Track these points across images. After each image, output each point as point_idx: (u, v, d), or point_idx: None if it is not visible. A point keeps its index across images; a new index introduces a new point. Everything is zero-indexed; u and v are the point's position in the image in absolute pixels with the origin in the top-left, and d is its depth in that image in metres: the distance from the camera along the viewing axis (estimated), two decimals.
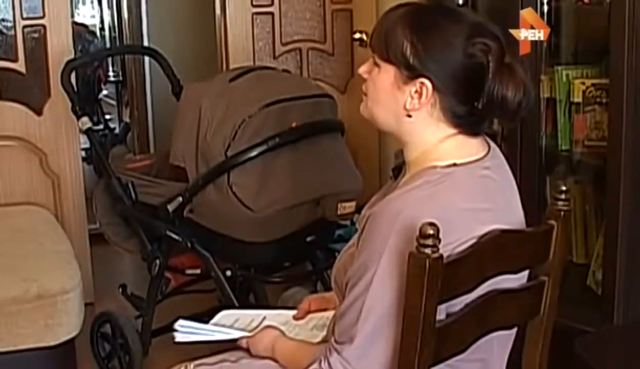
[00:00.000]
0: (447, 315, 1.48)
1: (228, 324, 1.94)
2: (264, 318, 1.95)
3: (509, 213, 1.60)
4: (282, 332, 1.80)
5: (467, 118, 1.56)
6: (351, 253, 1.62)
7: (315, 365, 1.56)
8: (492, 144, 1.65)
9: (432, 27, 1.54)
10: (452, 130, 1.58)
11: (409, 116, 1.57)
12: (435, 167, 1.54)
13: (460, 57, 1.52)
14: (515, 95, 1.52)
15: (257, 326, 1.90)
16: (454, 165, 1.54)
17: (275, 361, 1.74)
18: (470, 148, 1.59)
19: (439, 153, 1.57)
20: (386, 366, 1.50)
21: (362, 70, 1.64)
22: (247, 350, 1.80)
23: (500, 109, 1.53)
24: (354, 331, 1.50)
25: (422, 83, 1.54)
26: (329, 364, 1.53)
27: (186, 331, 1.85)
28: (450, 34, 1.53)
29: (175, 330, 1.85)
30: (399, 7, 1.60)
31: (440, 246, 1.36)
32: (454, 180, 1.53)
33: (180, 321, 1.86)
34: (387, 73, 1.57)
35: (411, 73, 1.54)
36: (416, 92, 1.55)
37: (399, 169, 1.71)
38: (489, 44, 1.52)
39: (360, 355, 1.51)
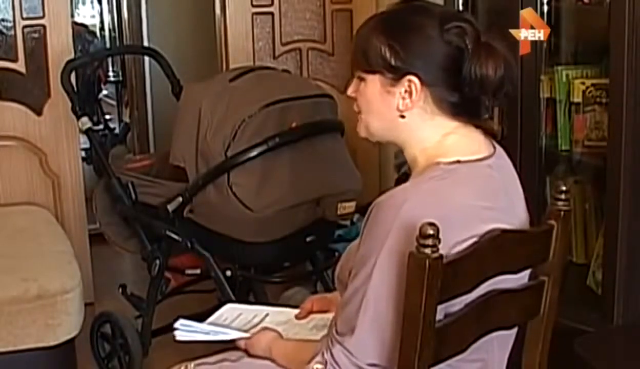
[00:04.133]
0: (446, 315, 1.48)
1: (231, 318, 1.94)
2: (267, 314, 1.96)
3: (512, 214, 1.60)
4: (279, 333, 1.81)
5: (463, 105, 1.58)
6: (355, 247, 1.62)
7: (318, 357, 1.56)
8: (499, 147, 1.65)
9: (404, 26, 1.57)
10: (452, 123, 1.59)
11: (402, 117, 1.59)
12: (439, 164, 1.55)
13: (439, 46, 1.54)
14: (495, 72, 1.54)
15: (258, 323, 1.91)
16: (458, 162, 1.55)
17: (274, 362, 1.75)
18: (474, 146, 1.60)
19: (443, 150, 1.58)
20: (387, 356, 1.50)
21: (350, 91, 1.66)
22: (246, 351, 1.81)
23: (481, 87, 1.55)
24: (355, 322, 1.51)
25: (410, 80, 1.56)
26: (332, 355, 1.54)
27: (186, 330, 1.86)
28: (424, 27, 1.55)
29: (176, 329, 1.86)
30: (368, 21, 1.64)
31: (440, 243, 1.37)
32: (456, 177, 1.53)
33: (181, 320, 1.87)
34: (373, 82, 1.59)
35: (395, 74, 1.56)
36: (406, 91, 1.57)
37: (401, 167, 1.72)
38: (462, 26, 1.55)
39: (361, 345, 1.51)
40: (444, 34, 1.54)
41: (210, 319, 1.95)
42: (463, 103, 1.57)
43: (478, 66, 1.53)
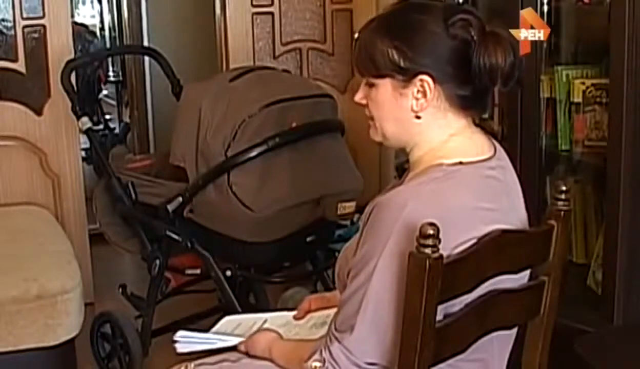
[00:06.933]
0: (446, 315, 1.48)
1: (230, 329, 1.94)
2: (266, 321, 1.96)
3: (513, 215, 1.60)
4: (279, 334, 1.81)
5: (473, 98, 1.57)
6: (354, 245, 1.62)
7: (317, 355, 1.56)
8: (498, 146, 1.65)
9: (408, 25, 1.56)
10: (460, 121, 1.59)
11: (418, 117, 1.57)
12: (441, 165, 1.55)
13: (446, 41, 1.54)
14: (505, 59, 1.53)
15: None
16: (460, 163, 1.55)
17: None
18: (476, 147, 1.60)
19: (446, 152, 1.57)
20: (386, 355, 1.50)
21: (358, 97, 1.64)
22: (246, 353, 1.81)
23: (492, 76, 1.54)
24: (354, 321, 1.51)
25: (422, 80, 1.54)
26: (330, 352, 1.54)
27: (186, 341, 1.85)
28: (428, 24, 1.54)
29: (176, 341, 1.86)
30: (369, 24, 1.62)
31: (441, 244, 1.37)
32: (459, 178, 1.53)
33: (180, 332, 1.87)
34: (384, 87, 1.58)
35: (406, 75, 1.55)
36: (419, 91, 1.55)
37: (402, 167, 1.72)
38: (467, 18, 1.54)
39: (360, 344, 1.51)
40: (449, 28, 1.53)
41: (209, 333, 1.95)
42: (473, 96, 1.57)
43: (487, 56, 1.52)
